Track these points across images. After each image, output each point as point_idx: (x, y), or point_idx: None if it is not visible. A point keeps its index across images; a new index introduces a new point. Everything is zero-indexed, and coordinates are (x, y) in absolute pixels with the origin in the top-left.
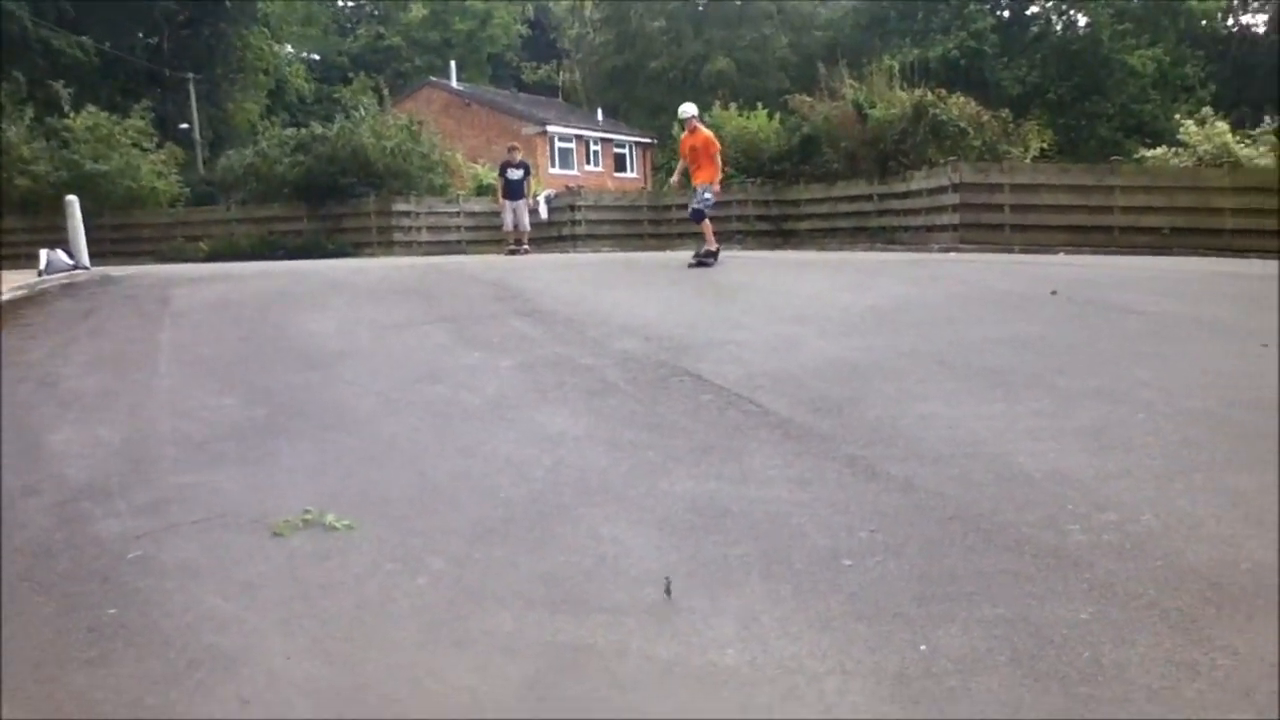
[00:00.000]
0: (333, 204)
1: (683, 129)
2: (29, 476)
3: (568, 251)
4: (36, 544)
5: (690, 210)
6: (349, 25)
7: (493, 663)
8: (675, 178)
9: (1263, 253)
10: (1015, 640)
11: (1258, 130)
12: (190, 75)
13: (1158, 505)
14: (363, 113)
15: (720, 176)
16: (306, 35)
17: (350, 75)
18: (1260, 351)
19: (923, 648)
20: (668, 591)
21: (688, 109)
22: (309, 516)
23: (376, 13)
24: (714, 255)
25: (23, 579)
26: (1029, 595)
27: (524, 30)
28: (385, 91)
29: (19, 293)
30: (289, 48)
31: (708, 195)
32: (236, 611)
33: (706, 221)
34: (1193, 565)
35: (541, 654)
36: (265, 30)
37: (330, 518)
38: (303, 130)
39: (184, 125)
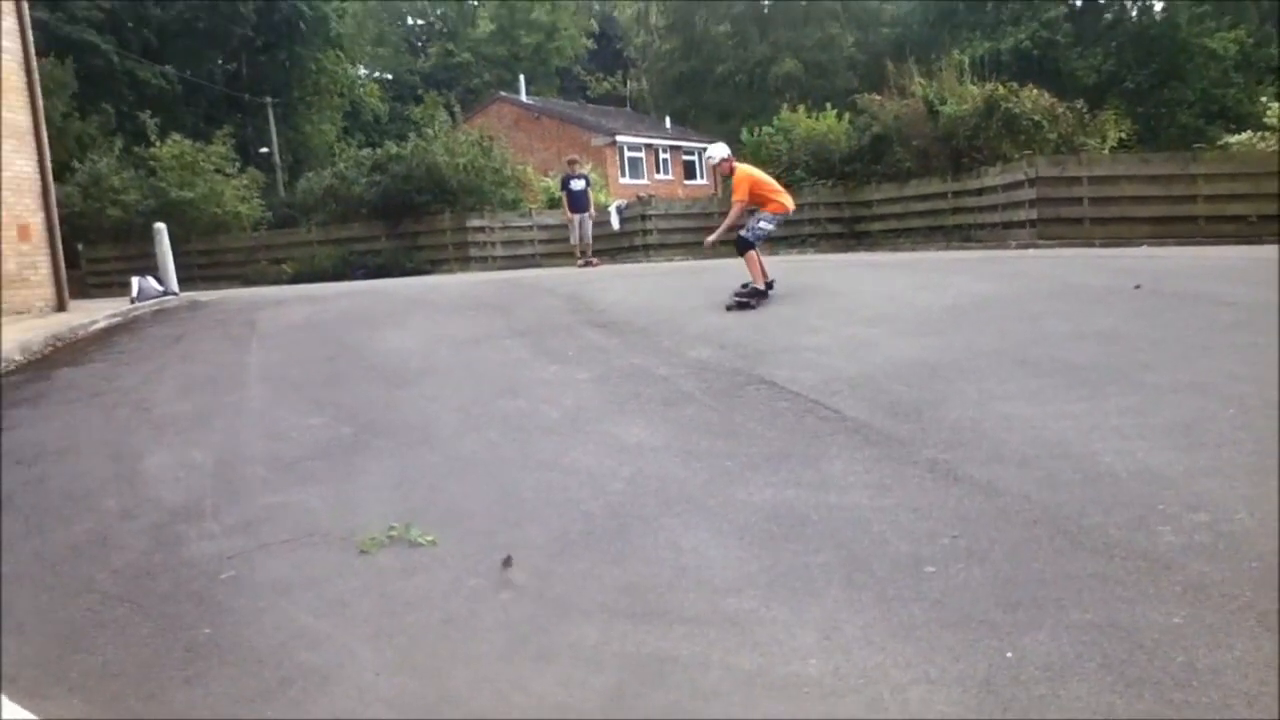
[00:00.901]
0: (409, 222)
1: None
2: (126, 500)
3: (640, 261)
4: (134, 566)
5: (737, 238)
6: (419, 44)
7: (576, 674)
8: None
9: None
10: (1105, 646)
11: None
12: (269, 100)
13: (1252, 503)
14: (435, 130)
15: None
16: (379, 56)
17: (421, 93)
18: None
19: (1009, 654)
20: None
21: (717, 152)
22: (394, 533)
23: (445, 30)
24: (760, 294)
25: (123, 600)
26: (1119, 599)
27: (589, 44)
28: (456, 108)
29: (114, 320)
30: (362, 69)
31: (763, 225)
32: (326, 628)
33: (753, 253)
34: None
35: (624, 665)
36: (339, 53)
37: (415, 533)
38: (378, 150)
39: (264, 149)
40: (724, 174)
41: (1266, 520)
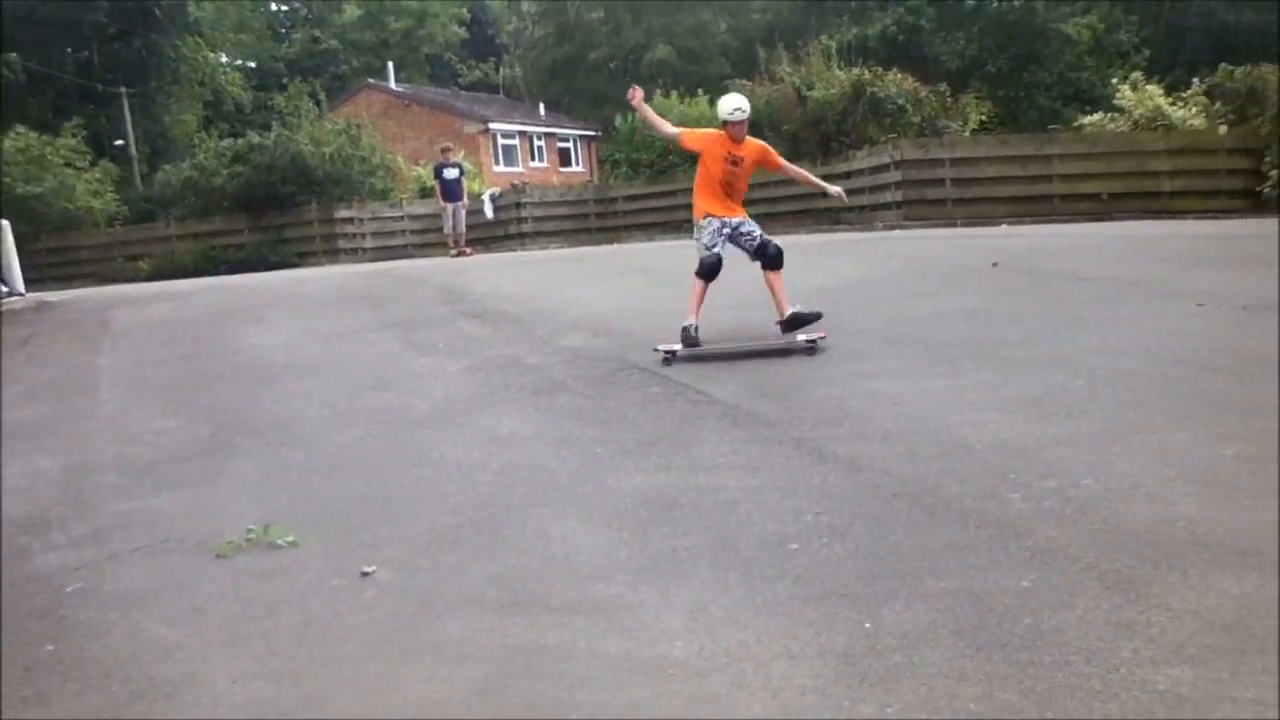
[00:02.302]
0: (274, 214)
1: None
2: None
3: (515, 250)
4: None
5: (769, 250)
6: (284, 30)
7: (442, 670)
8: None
9: (1199, 213)
10: (958, 612)
11: (1188, 92)
12: (123, 89)
13: (1097, 469)
14: (300, 119)
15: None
16: (241, 42)
17: (286, 81)
18: (1196, 310)
19: (868, 625)
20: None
21: (735, 105)
22: (252, 536)
23: (310, 15)
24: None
25: None
26: (972, 566)
27: (461, 31)
28: (322, 96)
29: None
30: (224, 56)
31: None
32: (180, 638)
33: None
34: (1131, 526)
35: (492, 658)
36: (198, 39)
37: (275, 534)
38: (239, 141)
39: (119, 141)
40: (734, 136)
41: (1110, 484)
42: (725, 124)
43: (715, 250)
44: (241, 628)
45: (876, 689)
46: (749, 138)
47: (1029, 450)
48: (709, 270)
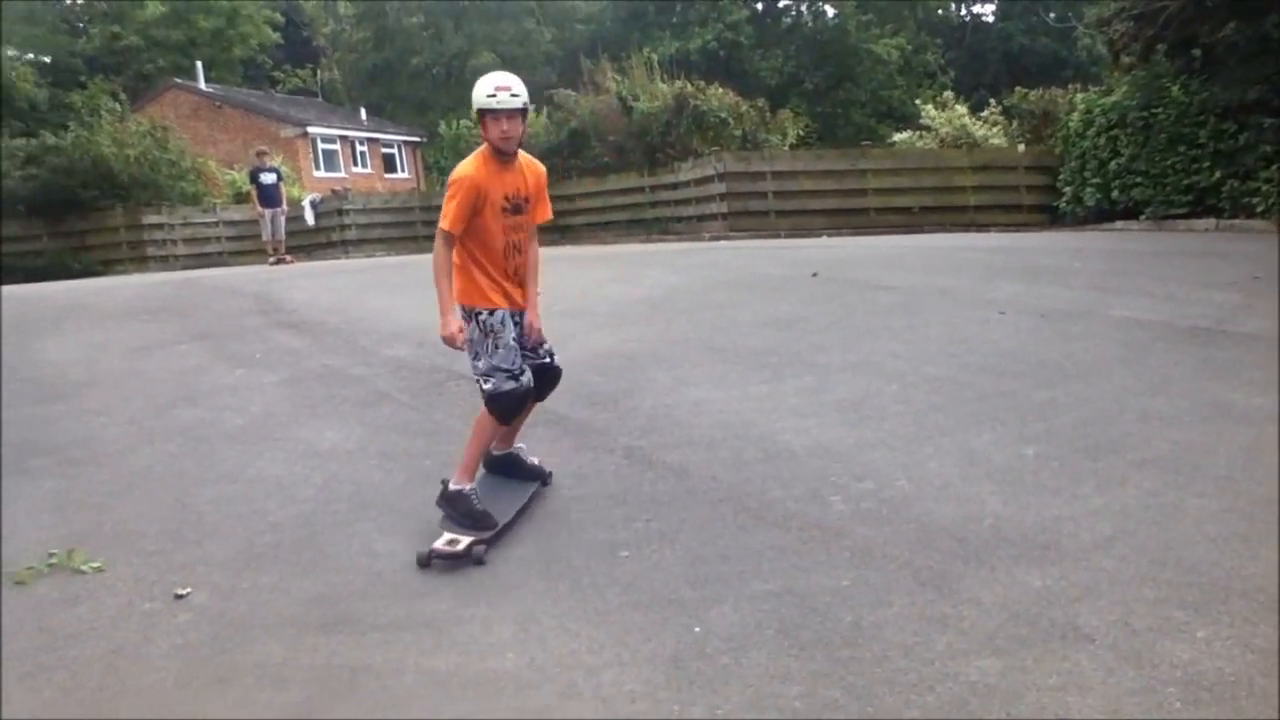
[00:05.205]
0: (75, 219)
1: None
2: None
3: (339, 258)
4: None
5: (555, 371)
6: (81, 24)
7: (260, 695)
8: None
9: (1001, 226)
10: (783, 612)
11: (985, 112)
12: None
13: (910, 470)
14: (100, 119)
15: None
16: (31, 35)
17: (85, 79)
18: (994, 317)
19: (697, 629)
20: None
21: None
22: (54, 560)
23: (109, 10)
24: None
25: None
26: (795, 568)
27: (276, 36)
28: (123, 96)
29: None
30: (11, 50)
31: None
32: None
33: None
34: (941, 524)
35: (313, 680)
36: None
37: (79, 559)
38: (33, 141)
39: None
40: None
41: (922, 484)
42: (483, 117)
43: (522, 376)
44: (42, 658)
45: (705, 691)
46: (525, 157)
47: (847, 453)
48: (517, 406)
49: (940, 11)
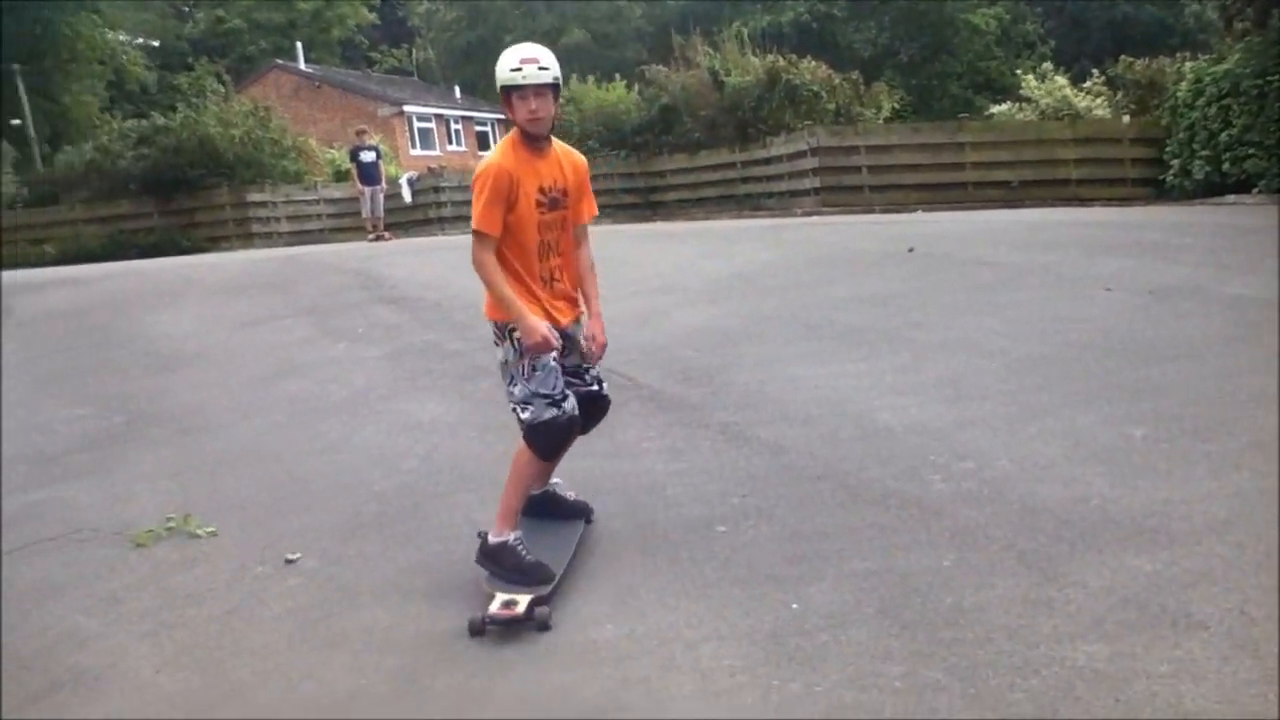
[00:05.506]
0: (184, 198)
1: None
2: None
3: (435, 235)
4: None
5: (604, 401)
6: (187, 8)
7: (367, 659)
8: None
9: (1105, 200)
10: (882, 591)
11: (1087, 82)
12: (16, 66)
13: (1012, 450)
14: (206, 100)
15: None
16: (142, 21)
17: (191, 61)
18: (1099, 295)
19: (795, 606)
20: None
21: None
22: (172, 524)
23: None
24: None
25: None
26: (895, 546)
27: (373, 17)
28: (227, 77)
29: None
30: (123, 35)
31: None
32: (100, 628)
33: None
34: (1045, 505)
35: (417, 646)
36: (96, 16)
37: (195, 524)
38: (144, 122)
39: (15, 121)
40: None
41: (1024, 465)
42: (508, 95)
43: (565, 403)
44: (163, 616)
45: (804, 668)
46: (562, 146)
47: (946, 432)
48: (561, 439)
49: None
